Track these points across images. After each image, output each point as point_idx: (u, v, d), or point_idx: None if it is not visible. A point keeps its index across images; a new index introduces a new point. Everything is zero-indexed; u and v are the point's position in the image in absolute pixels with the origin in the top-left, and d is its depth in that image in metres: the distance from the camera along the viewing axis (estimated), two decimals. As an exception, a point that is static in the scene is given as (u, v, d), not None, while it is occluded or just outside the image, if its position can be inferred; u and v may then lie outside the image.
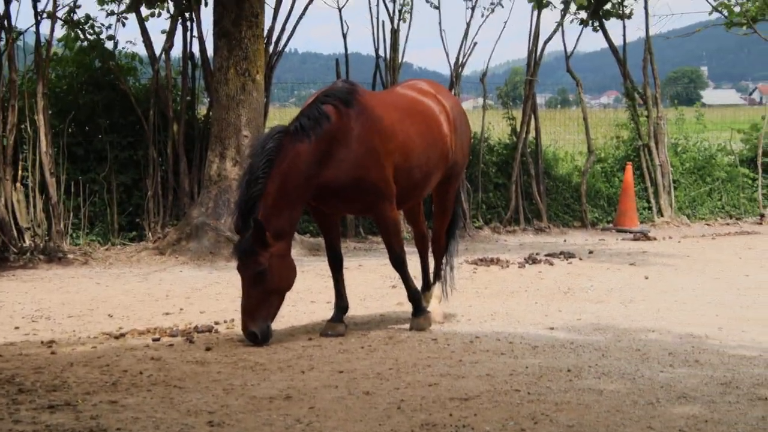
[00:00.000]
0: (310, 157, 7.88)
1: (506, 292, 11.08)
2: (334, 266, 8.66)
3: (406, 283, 8.76)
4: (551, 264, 13.29)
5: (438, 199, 9.48)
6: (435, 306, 9.29)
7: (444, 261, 9.64)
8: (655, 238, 16.95)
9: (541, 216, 17.97)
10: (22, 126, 13.56)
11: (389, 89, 9.68)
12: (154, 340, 8.37)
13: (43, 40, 13.88)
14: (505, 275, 12.39)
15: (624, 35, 19.39)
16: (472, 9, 17.53)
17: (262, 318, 7.88)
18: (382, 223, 8.55)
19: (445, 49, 17.46)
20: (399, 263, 8.64)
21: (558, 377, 7.12)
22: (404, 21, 16.92)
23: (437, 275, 9.56)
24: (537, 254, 13.96)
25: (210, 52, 14.75)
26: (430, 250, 9.64)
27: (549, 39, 18.34)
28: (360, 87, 8.61)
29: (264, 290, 7.83)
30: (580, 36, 21.73)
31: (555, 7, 18.43)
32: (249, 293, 7.84)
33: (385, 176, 8.21)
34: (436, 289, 9.47)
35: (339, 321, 8.58)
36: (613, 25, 18.68)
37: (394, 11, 16.85)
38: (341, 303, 8.68)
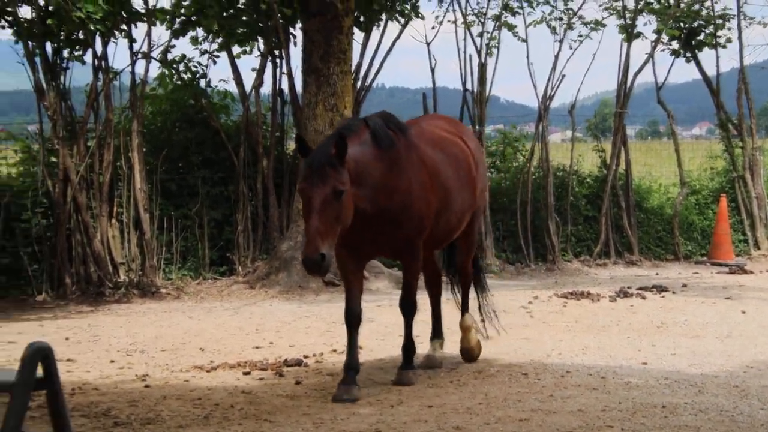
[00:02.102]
0: (374, 162, 7.46)
1: (597, 326, 10.92)
2: (350, 322, 7.72)
3: (408, 331, 8.14)
4: (643, 298, 13.08)
5: (463, 237, 8.93)
6: (472, 336, 8.97)
7: (482, 297, 9.41)
8: (751, 272, 16.59)
9: (632, 249, 17.72)
10: (118, 163, 13.87)
11: (416, 123, 8.66)
12: (245, 373, 8.45)
13: (138, 79, 14.21)
14: (596, 309, 12.22)
15: (717, 66, 19.13)
16: (560, 42, 17.47)
17: (330, 244, 6.91)
18: (413, 263, 7.94)
19: (532, 82, 17.40)
20: (412, 308, 8.09)
21: (653, 414, 6.98)
22: (491, 55, 16.96)
23: (465, 307, 9.15)
24: (629, 288, 13.77)
25: (299, 88, 14.93)
26: (459, 282, 9.27)
27: (639, 70, 18.14)
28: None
29: (338, 214, 6.95)
30: (671, 67, 21.29)
31: (646, 37, 18.27)
32: (322, 212, 6.87)
33: (429, 213, 7.80)
34: (468, 320, 9.04)
35: (352, 383, 7.59)
36: (705, 55, 18.40)
37: (481, 45, 16.89)
38: (353, 363, 7.70)
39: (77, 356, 9.24)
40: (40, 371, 5.20)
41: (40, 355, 5.19)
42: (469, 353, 8.93)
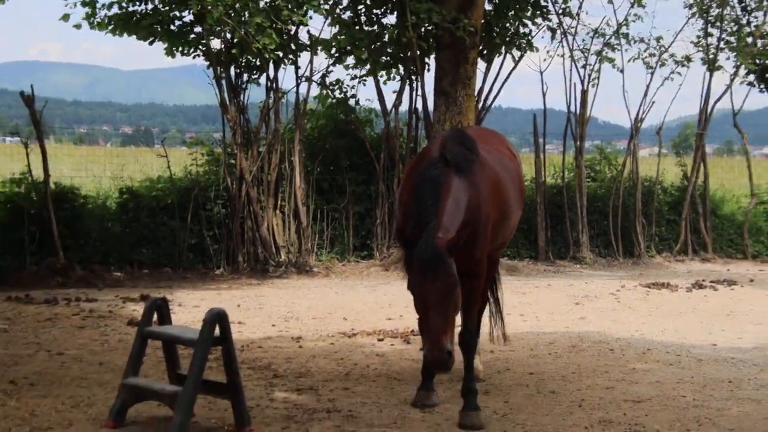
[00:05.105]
0: (467, 194, 5.83)
1: (675, 312, 10.61)
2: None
3: (469, 370, 6.05)
4: (715, 289, 12.64)
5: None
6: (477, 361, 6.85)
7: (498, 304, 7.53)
8: (812, 271, 15.83)
9: (707, 248, 17.16)
10: (282, 165, 14.15)
11: (476, 132, 7.08)
12: (379, 340, 8.51)
13: (301, 98, 14.44)
14: (674, 298, 11.87)
15: (785, 95, 18.20)
16: (652, 74, 17.00)
17: (453, 337, 5.47)
18: (478, 286, 6.18)
19: (626, 106, 17.04)
20: (474, 338, 6.33)
21: (720, 387, 6.77)
22: (593, 86, 16.64)
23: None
24: (703, 281, 13.31)
25: (431, 107, 14.90)
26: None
27: (719, 99, 17.45)
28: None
29: (455, 305, 5.47)
30: (747, 96, 20.45)
31: (726, 70, 17.58)
32: (440, 309, 5.36)
33: (490, 234, 6.19)
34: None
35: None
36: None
37: (584, 75, 16.57)
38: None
39: (246, 320, 9.47)
40: (217, 331, 5.36)
41: (217, 318, 5.35)
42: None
